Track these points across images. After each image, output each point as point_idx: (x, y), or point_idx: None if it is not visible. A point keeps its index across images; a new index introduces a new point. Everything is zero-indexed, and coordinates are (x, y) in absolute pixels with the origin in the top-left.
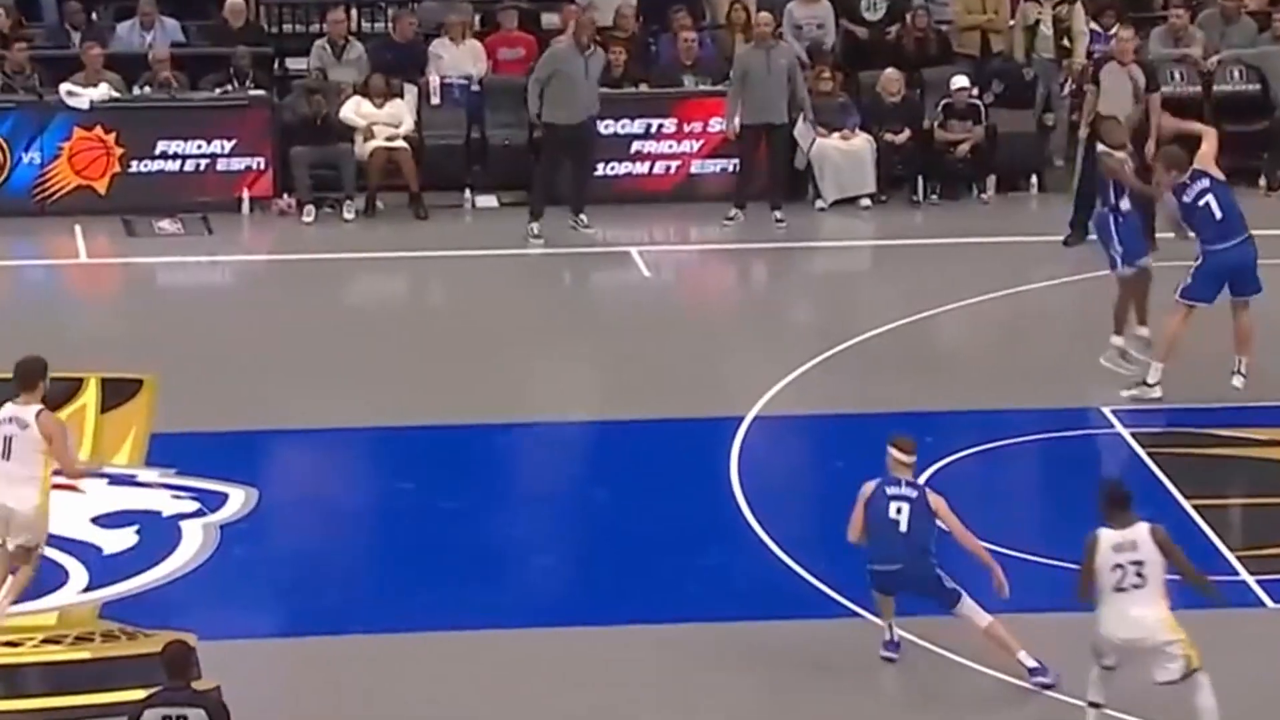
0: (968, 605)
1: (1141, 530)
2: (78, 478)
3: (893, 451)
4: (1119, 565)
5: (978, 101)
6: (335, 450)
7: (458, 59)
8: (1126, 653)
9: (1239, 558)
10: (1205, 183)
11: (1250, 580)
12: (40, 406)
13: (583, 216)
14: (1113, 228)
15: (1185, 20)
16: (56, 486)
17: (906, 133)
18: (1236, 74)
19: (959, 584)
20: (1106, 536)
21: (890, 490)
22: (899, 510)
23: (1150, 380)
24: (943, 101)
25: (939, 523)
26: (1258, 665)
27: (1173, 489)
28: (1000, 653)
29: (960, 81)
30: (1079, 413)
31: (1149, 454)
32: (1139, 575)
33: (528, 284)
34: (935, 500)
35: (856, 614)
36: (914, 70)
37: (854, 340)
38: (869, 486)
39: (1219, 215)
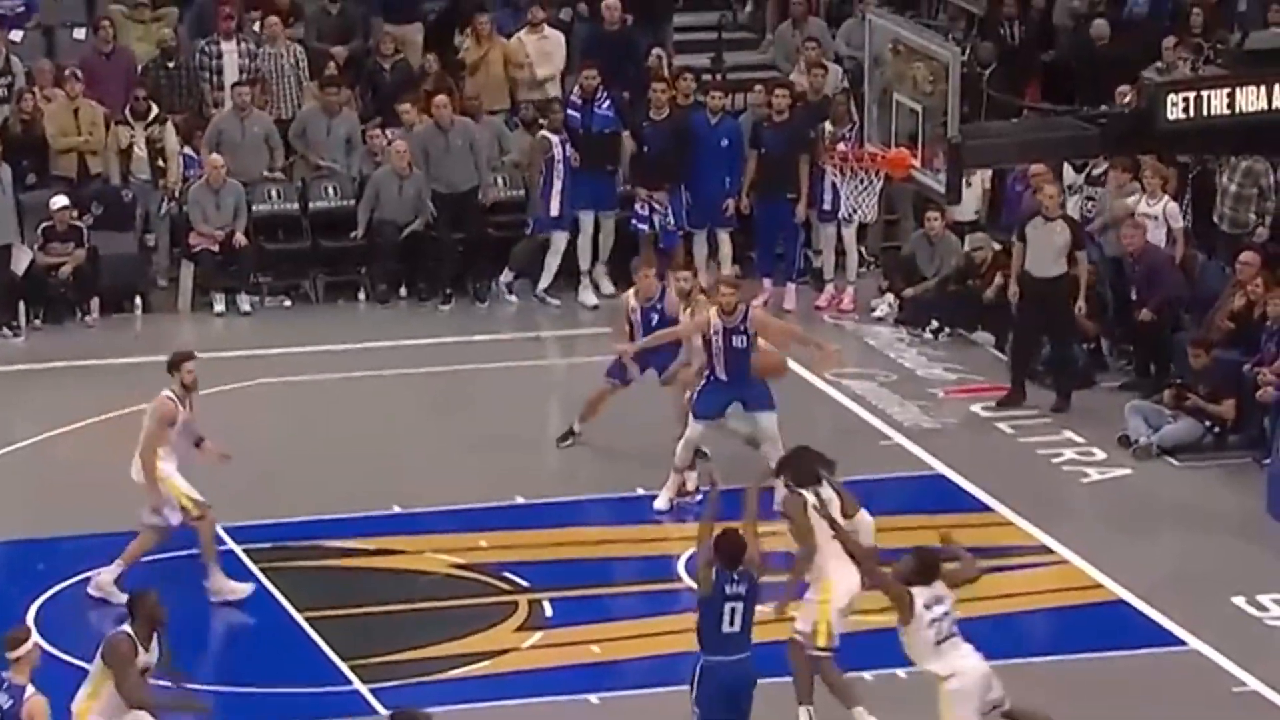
0: None
1: None
2: None
3: None
4: None
5: (79, 224)
6: None
7: None
8: None
9: (352, 668)
10: None
11: (364, 689)
12: None
13: None
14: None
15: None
16: None
17: None
18: (331, 190)
19: None
20: None
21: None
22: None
23: None
24: (43, 224)
25: None
26: None
27: (285, 603)
28: None
29: (60, 202)
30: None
31: (262, 569)
32: None
33: None
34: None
35: None
36: None
37: None
38: None
39: None
